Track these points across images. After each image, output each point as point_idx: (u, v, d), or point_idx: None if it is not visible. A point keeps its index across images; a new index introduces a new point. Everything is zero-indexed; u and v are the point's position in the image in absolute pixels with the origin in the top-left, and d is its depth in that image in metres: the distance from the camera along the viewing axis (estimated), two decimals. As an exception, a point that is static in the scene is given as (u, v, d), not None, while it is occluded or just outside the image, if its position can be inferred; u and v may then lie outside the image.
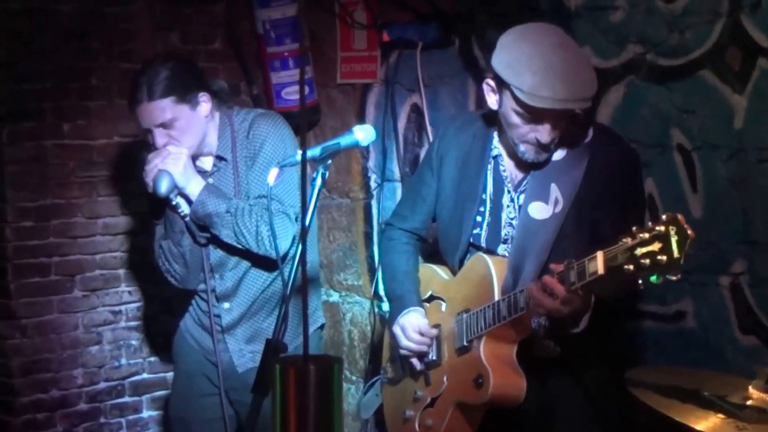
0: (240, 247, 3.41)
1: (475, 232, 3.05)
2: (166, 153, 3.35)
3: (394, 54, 4.31)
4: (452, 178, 3.12)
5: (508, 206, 3.01)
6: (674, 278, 2.41)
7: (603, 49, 3.54)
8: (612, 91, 3.52)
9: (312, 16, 4.50)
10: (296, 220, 3.42)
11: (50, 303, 4.36)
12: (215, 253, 3.51)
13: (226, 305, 3.54)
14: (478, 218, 3.05)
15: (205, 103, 3.43)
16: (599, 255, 2.53)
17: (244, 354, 3.57)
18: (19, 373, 4.30)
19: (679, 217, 2.40)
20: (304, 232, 3.06)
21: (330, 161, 2.83)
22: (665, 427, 2.56)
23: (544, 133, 2.84)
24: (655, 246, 2.39)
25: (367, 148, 4.41)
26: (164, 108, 3.33)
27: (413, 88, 4.26)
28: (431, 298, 3.22)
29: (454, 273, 3.15)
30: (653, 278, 2.42)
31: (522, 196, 2.97)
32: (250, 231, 3.36)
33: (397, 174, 4.39)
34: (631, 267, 2.43)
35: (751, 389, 2.57)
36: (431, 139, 4.18)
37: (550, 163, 2.93)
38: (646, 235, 2.41)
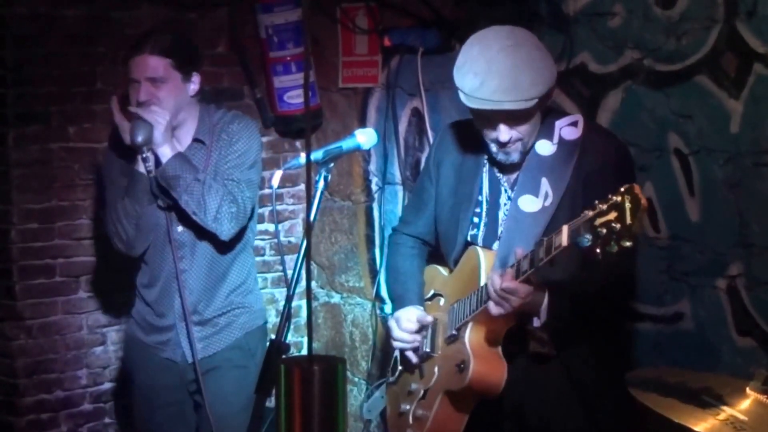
0: (193, 216, 3.43)
1: (472, 232, 3.09)
2: (152, 109, 3.41)
3: (395, 59, 4.34)
4: (449, 183, 3.16)
5: (505, 205, 3.04)
6: (628, 244, 2.45)
7: (601, 55, 3.57)
8: (610, 96, 3.55)
9: (314, 21, 4.52)
10: (251, 215, 3.53)
11: (55, 304, 4.36)
12: (185, 234, 3.53)
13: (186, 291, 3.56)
14: (475, 219, 3.09)
15: (195, 84, 3.52)
16: (564, 228, 2.61)
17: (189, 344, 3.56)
18: (23, 374, 4.30)
19: (635, 186, 2.48)
20: (309, 229, 3.09)
21: (332, 164, 2.87)
22: (663, 429, 2.57)
23: (500, 132, 2.91)
24: (612, 215, 2.47)
25: (368, 151, 4.44)
26: (160, 65, 3.42)
27: (414, 92, 4.29)
28: (433, 296, 3.26)
29: (452, 270, 3.19)
30: (609, 248, 2.49)
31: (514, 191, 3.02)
32: (212, 206, 3.40)
33: (398, 177, 4.42)
34: (590, 236, 2.51)
35: (748, 390, 2.59)
36: (431, 143, 4.23)
37: (541, 158, 2.97)
38: (604, 206, 2.49)
